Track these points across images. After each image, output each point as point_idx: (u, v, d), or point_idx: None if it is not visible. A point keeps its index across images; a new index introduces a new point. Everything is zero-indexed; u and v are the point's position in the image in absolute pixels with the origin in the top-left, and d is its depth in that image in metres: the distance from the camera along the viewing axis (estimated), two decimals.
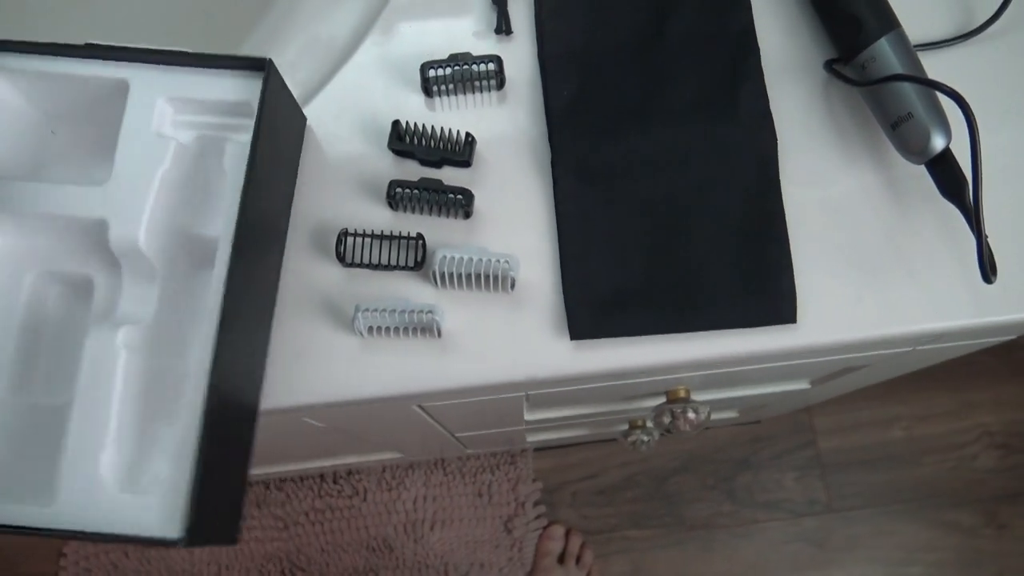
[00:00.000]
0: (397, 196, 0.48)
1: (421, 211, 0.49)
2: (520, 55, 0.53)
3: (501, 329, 0.48)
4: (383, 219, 0.50)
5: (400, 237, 0.48)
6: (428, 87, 0.51)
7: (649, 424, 1.10)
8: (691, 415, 0.98)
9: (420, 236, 0.48)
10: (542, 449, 1.35)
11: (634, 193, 0.49)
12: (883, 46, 0.48)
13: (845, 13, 0.50)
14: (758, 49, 0.52)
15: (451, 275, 0.47)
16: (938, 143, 0.47)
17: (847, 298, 0.49)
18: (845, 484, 1.35)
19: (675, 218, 0.49)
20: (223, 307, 0.40)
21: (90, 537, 0.38)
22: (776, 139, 0.50)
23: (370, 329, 0.47)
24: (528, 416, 0.89)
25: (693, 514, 1.34)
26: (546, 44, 0.52)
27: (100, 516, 0.39)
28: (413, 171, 0.51)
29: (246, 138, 0.43)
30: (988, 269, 0.46)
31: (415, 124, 0.50)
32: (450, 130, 0.50)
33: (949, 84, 0.45)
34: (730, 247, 0.48)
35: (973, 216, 0.46)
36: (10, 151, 0.45)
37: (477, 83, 0.51)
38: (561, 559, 1.30)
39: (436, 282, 0.48)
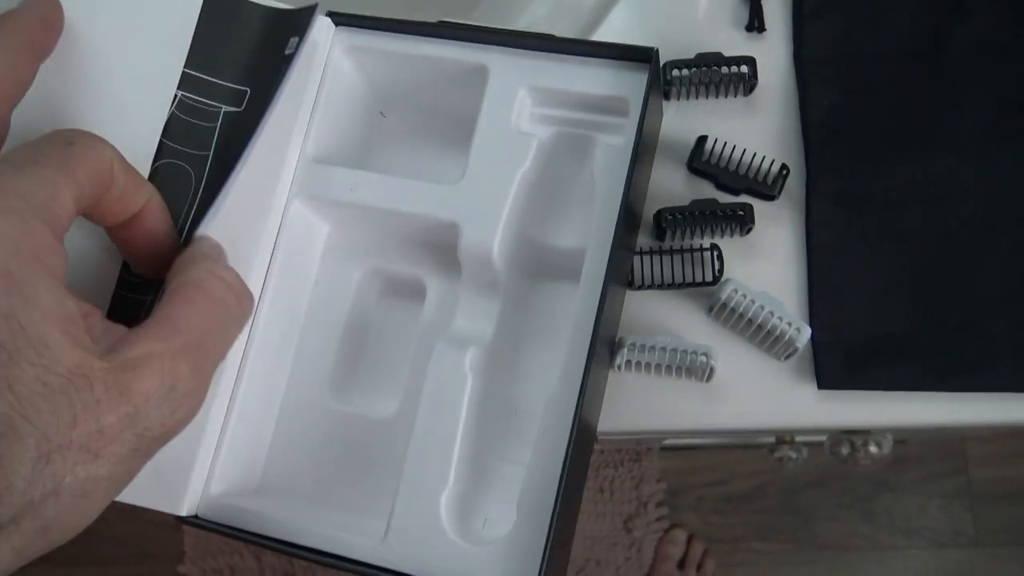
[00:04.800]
0: (667, 223, 0.43)
1: (693, 235, 0.44)
2: (773, 56, 0.46)
3: (745, 368, 0.43)
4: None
5: (692, 250, 0.42)
6: (668, 89, 0.45)
7: (798, 439, 1.04)
8: (873, 449, 0.91)
9: (715, 247, 0.42)
10: (669, 449, 1.30)
11: (903, 228, 0.43)
12: None
13: None
14: None
15: (732, 313, 0.41)
16: None
17: None
18: (996, 518, 1.25)
19: (953, 261, 0.42)
20: (595, 332, 0.35)
21: None
22: None
23: (628, 363, 0.41)
24: None
25: (825, 532, 1.27)
26: (805, 47, 0.46)
27: (435, 561, 0.34)
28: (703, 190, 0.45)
29: (614, 140, 0.38)
30: None
31: (723, 144, 0.44)
32: (762, 157, 0.44)
33: None
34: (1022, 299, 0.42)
35: None
36: (344, 135, 0.41)
37: (723, 86, 0.46)
38: (681, 565, 1.25)
39: (713, 313, 0.43)
